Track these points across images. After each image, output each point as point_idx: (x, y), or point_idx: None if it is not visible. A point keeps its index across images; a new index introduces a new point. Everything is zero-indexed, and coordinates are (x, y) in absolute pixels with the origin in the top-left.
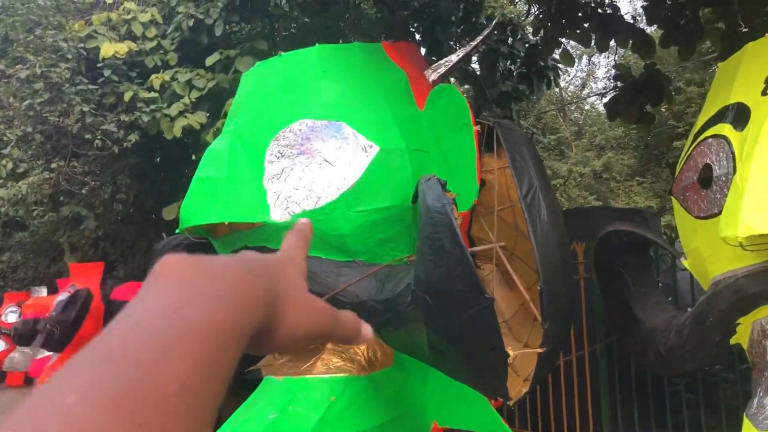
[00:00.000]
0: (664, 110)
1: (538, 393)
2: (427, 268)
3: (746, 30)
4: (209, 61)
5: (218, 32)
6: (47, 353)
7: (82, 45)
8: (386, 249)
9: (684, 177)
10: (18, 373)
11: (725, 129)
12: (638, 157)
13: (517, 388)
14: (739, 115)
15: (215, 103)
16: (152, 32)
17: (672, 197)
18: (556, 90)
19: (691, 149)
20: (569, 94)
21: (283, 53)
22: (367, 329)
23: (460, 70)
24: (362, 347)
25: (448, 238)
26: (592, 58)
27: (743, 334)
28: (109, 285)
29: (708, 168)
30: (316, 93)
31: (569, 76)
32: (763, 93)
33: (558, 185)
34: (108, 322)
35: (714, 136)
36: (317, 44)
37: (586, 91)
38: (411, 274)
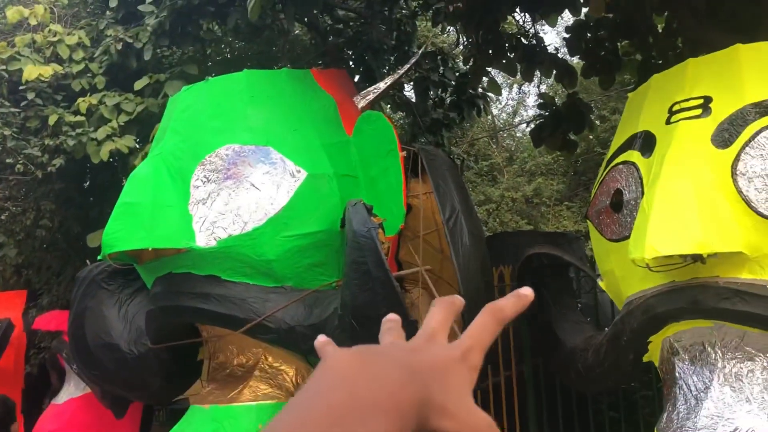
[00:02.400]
0: (590, 137)
1: None
2: (353, 292)
3: (660, 62)
4: (138, 85)
5: (147, 56)
6: None
7: (3, 67)
8: (315, 274)
9: (598, 201)
10: None
11: (634, 156)
12: (567, 182)
13: None
14: (646, 143)
15: (144, 128)
16: (79, 55)
17: (587, 221)
18: (489, 117)
19: (604, 174)
20: (501, 121)
21: (210, 78)
22: None
23: (394, 97)
24: (291, 372)
25: (373, 262)
26: (523, 87)
27: (655, 351)
28: (31, 314)
29: (619, 193)
30: (244, 118)
31: (501, 104)
32: (667, 122)
33: (491, 210)
34: (29, 353)
35: (624, 163)
36: (245, 69)
37: (517, 119)
38: (338, 299)
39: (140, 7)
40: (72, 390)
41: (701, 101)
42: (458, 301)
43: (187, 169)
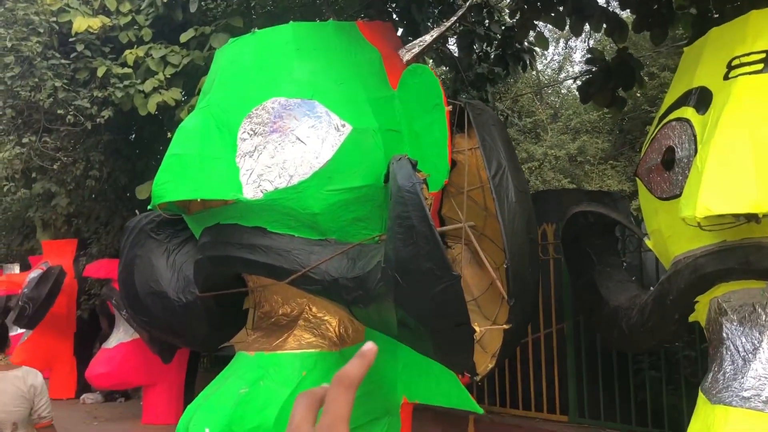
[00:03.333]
0: (638, 95)
1: (507, 370)
2: (397, 246)
3: (717, 16)
4: (184, 37)
5: (193, 9)
6: (20, 330)
7: (54, 19)
8: (358, 228)
9: (648, 159)
10: None
11: (688, 112)
12: (612, 141)
13: (485, 364)
14: (702, 99)
15: (190, 80)
16: (126, 7)
17: (637, 178)
18: (533, 73)
19: (655, 131)
20: (546, 77)
21: (257, 30)
22: None
23: (437, 51)
24: (334, 322)
25: (418, 217)
26: (569, 42)
27: (701, 312)
28: (82, 262)
29: (671, 150)
30: (289, 71)
31: (546, 59)
32: (725, 77)
33: (533, 168)
34: (80, 299)
35: (677, 119)
36: (291, 22)
37: (562, 75)
38: (381, 253)
39: None
40: (121, 335)
41: (763, 55)
42: (355, 382)
43: (233, 121)
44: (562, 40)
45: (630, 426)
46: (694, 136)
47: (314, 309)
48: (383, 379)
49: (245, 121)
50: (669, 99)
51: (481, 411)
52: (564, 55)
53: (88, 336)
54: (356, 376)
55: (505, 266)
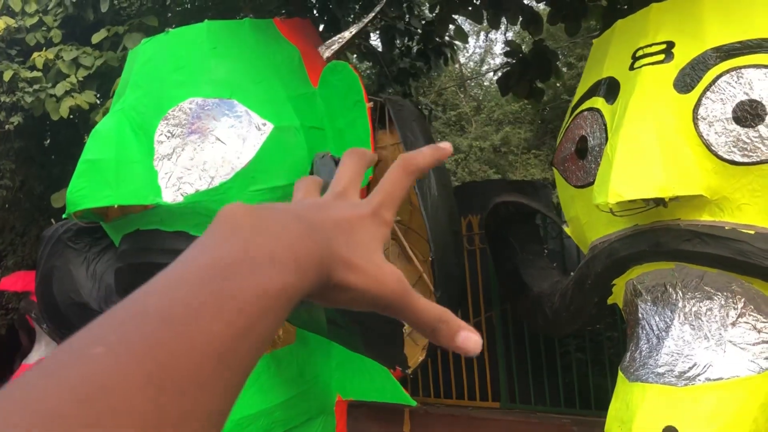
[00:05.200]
0: (558, 85)
1: (439, 361)
2: None
3: (626, 7)
4: (96, 38)
5: (104, 8)
6: None
7: None
8: None
9: (563, 148)
10: None
11: (598, 102)
12: (534, 131)
13: (416, 357)
14: (610, 89)
15: (104, 82)
16: (32, 7)
17: (553, 168)
18: (456, 66)
19: (569, 121)
20: (469, 70)
21: (170, 30)
22: (467, 340)
23: (359, 46)
24: None
25: None
26: (490, 35)
27: (619, 294)
28: None
29: (584, 139)
30: (206, 71)
31: (468, 52)
32: (631, 68)
33: (459, 160)
34: None
35: (589, 109)
36: (206, 20)
37: (484, 68)
38: None
39: None
40: (43, 349)
41: (664, 46)
42: (369, 154)
43: (150, 123)
44: (483, 33)
45: (559, 408)
46: (605, 125)
47: None
48: (317, 378)
49: (162, 123)
50: (580, 89)
51: (414, 403)
52: (485, 48)
53: (8, 352)
54: (422, 162)
55: (430, 259)
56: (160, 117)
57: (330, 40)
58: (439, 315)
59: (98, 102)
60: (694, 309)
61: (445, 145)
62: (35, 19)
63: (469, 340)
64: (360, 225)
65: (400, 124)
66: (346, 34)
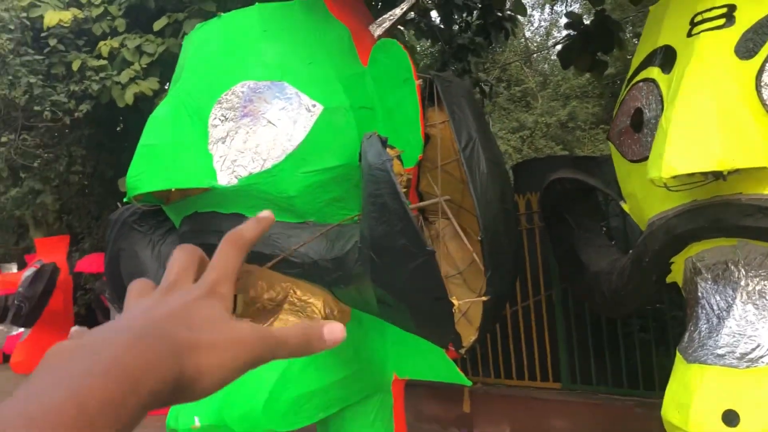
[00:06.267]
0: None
1: (499, 341)
2: (371, 225)
3: None
4: (157, 25)
5: None
6: (19, 330)
7: (24, 14)
8: (336, 208)
9: (618, 121)
10: None
11: (654, 72)
12: (603, 105)
13: (470, 337)
14: (667, 58)
15: (167, 69)
16: None
17: (609, 142)
18: (522, 41)
19: (624, 94)
20: (535, 44)
21: (222, 14)
22: (333, 333)
23: (418, 23)
24: (319, 304)
25: (389, 194)
26: (555, 7)
27: (678, 272)
28: (75, 258)
29: (639, 112)
30: (257, 54)
31: (533, 26)
32: (688, 34)
33: (525, 137)
34: (76, 294)
35: (644, 80)
36: (257, 3)
37: (551, 41)
38: (359, 232)
39: None
40: None
41: (725, 10)
42: (198, 250)
43: (204, 108)
44: (548, 6)
45: (622, 389)
46: (661, 96)
47: (299, 292)
48: (373, 357)
49: (215, 107)
50: (636, 60)
51: (469, 383)
52: (551, 21)
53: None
54: (249, 237)
55: (479, 239)
56: (214, 101)
57: (381, 18)
58: (301, 332)
59: (162, 88)
60: (758, 287)
61: (265, 214)
62: (101, 10)
63: (333, 331)
64: (197, 307)
65: (448, 101)
66: (397, 11)
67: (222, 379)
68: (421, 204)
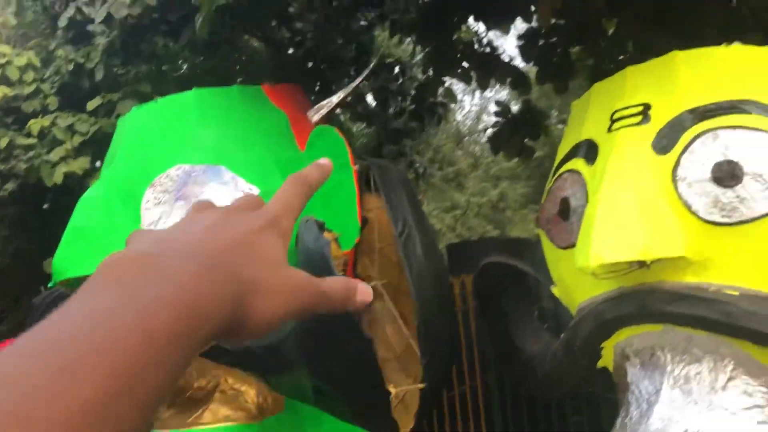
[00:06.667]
0: (555, 141)
1: (435, 427)
2: None
3: (612, 66)
4: (91, 105)
5: (99, 76)
6: None
7: None
8: None
9: (547, 209)
10: None
11: (579, 164)
12: (532, 186)
13: (408, 424)
14: (590, 151)
15: (99, 149)
16: (30, 76)
17: (538, 229)
18: (454, 123)
19: (552, 183)
20: (466, 127)
21: (159, 98)
22: (364, 293)
23: (354, 108)
24: (252, 393)
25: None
26: (485, 93)
27: (608, 357)
28: None
29: (566, 201)
30: (194, 138)
31: (464, 110)
32: (609, 129)
33: (458, 216)
34: None
35: (570, 171)
36: (194, 88)
37: (481, 125)
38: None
39: (90, 27)
40: None
41: (641, 108)
42: (317, 168)
43: (137, 191)
44: (478, 91)
45: None
46: (585, 187)
47: (230, 380)
48: None
49: (149, 190)
50: (562, 150)
51: None
52: (481, 106)
53: None
54: (313, 179)
55: (415, 324)
56: (147, 184)
57: (318, 105)
58: (344, 286)
59: (93, 167)
60: (683, 373)
61: (325, 161)
62: (33, 87)
63: (364, 291)
64: (259, 240)
65: (384, 187)
66: (334, 99)
67: (269, 324)
68: None
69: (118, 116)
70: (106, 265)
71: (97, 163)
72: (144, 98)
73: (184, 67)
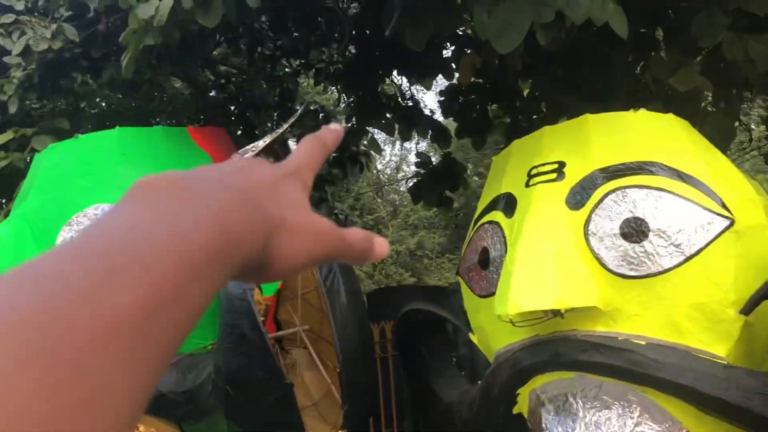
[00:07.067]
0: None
1: None
2: (227, 356)
3: (526, 125)
4: (2, 139)
5: (12, 109)
6: None
7: None
8: (189, 337)
9: (467, 258)
10: None
11: (498, 216)
12: (448, 235)
13: None
14: (508, 204)
15: (9, 183)
16: None
17: (459, 277)
18: (374, 172)
19: (472, 233)
20: (386, 176)
21: (80, 135)
22: (381, 247)
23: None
24: None
25: (248, 324)
26: (405, 144)
27: (523, 404)
28: None
29: (485, 251)
30: (115, 177)
31: (385, 159)
32: (526, 185)
33: (376, 263)
34: None
35: (490, 222)
36: (117, 127)
37: (400, 174)
38: (212, 363)
39: (6, 59)
40: None
41: (556, 166)
42: (330, 132)
43: (52, 229)
44: (398, 142)
45: None
46: (504, 238)
47: (142, 428)
48: None
49: (65, 229)
50: (482, 202)
51: None
52: (401, 156)
53: None
54: (329, 140)
55: (337, 371)
56: (63, 222)
57: (244, 149)
58: (365, 237)
59: (1, 203)
60: (594, 419)
61: (337, 126)
62: None
63: (382, 243)
64: (284, 184)
65: None
66: (260, 143)
67: (293, 267)
68: (280, 333)
69: (32, 151)
70: (141, 184)
71: (5, 200)
72: (60, 134)
73: (103, 104)
